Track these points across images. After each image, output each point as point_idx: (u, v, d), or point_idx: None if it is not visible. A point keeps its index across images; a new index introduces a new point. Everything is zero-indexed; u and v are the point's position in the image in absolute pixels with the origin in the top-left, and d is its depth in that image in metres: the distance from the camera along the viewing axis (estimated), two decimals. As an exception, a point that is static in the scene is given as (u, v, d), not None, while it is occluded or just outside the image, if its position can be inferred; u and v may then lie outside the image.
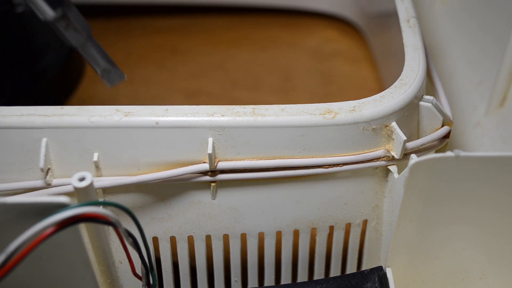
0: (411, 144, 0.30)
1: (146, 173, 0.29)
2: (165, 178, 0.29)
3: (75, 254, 0.25)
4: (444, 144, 0.32)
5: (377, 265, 0.30)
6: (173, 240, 0.32)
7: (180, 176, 0.29)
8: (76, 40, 0.28)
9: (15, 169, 0.29)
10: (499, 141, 0.39)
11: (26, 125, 0.28)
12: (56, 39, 0.46)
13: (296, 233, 0.33)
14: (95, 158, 0.29)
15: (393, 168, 0.30)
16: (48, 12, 0.27)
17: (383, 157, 0.30)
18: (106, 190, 0.30)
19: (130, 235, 0.26)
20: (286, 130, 0.29)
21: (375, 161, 0.30)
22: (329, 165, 0.30)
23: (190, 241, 0.32)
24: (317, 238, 0.33)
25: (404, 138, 0.29)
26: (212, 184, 0.30)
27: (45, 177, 0.29)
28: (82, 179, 0.25)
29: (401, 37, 0.33)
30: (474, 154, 0.26)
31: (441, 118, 0.31)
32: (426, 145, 0.31)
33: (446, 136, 0.31)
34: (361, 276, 0.30)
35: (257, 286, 0.35)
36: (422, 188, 0.27)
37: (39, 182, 0.29)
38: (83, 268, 0.26)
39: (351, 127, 0.29)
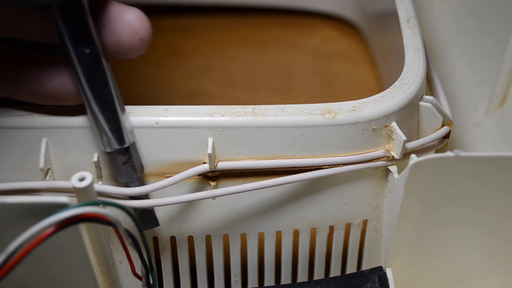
0: (411, 144, 0.30)
1: (146, 174, 0.29)
2: (166, 186, 0.29)
3: (75, 254, 0.25)
4: (444, 144, 0.32)
5: (377, 265, 0.30)
6: (173, 240, 0.32)
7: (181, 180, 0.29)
8: (129, 177, 0.28)
9: (15, 169, 0.29)
10: (499, 141, 0.39)
11: (26, 125, 0.28)
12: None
13: (296, 233, 0.33)
14: (95, 158, 0.29)
15: (393, 168, 0.30)
16: (113, 144, 0.27)
17: (383, 157, 0.30)
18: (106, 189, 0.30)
19: (130, 235, 0.26)
20: (286, 130, 0.29)
21: (375, 161, 0.30)
22: (329, 165, 0.30)
23: (190, 241, 0.32)
24: (317, 238, 0.33)
25: (404, 138, 0.29)
26: (212, 184, 0.30)
27: (45, 177, 0.29)
28: (82, 179, 0.25)
29: (401, 37, 0.33)
30: (474, 154, 0.26)
31: (441, 118, 0.31)
32: (426, 145, 0.31)
33: (446, 136, 0.31)
34: (361, 276, 0.30)
35: (257, 286, 0.35)
36: (422, 188, 0.27)
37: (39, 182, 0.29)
38: (83, 268, 0.26)
39: (351, 127, 0.29)
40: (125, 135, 0.27)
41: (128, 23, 0.26)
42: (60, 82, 0.27)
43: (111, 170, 0.29)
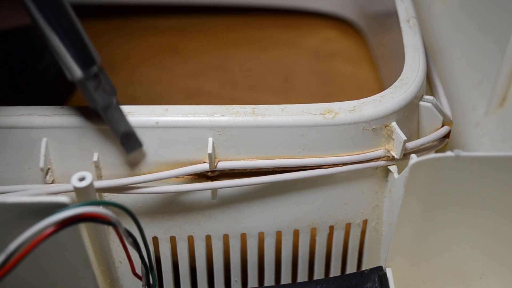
0: (411, 144, 0.30)
1: (146, 174, 0.29)
2: (165, 177, 0.29)
3: (75, 254, 0.25)
4: (444, 144, 0.32)
5: (377, 265, 0.30)
6: (173, 240, 0.32)
7: (180, 177, 0.29)
8: (103, 101, 0.27)
9: (15, 169, 0.29)
10: (499, 141, 0.39)
11: (26, 125, 0.28)
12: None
13: (296, 233, 0.33)
14: (95, 158, 0.29)
15: (393, 168, 0.30)
16: (77, 72, 0.26)
17: (383, 157, 0.30)
18: (106, 190, 0.30)
19: (130, 235, 0.26)
20: (286, 130, 0.29)
21: (375, 161, 0.30)
22: (329, 165, 0.30)
23: (190, 241, 0.32)
24: (317, 238, 0.33)
25: (404, 138, 0.29)
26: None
27: (45, 177, 0.29)
28: (82, 179, 0.25)
29: (401, 37, 0.33)
30: (474, 154, 0.26)
31: (441, 118, 0.31)
32: (426, 145, 0.31)
33: (446, 136, 0.31)
34: (361, 276, 0.30)
35: (257, 286, 0.35)
36: (422, 188, 0.27)
37: (39, 182, 0.29)
38: (83, 268, 0.26)
39: (351, 127, 0.29)
40: (89, 60, 0.26)
41: None
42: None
43: (86, 99, 0.28)
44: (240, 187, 0.30)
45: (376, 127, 0.29)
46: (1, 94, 0.42)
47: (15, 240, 0.22)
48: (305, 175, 0.29)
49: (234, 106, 0.29)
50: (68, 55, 0.26)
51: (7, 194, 0.28)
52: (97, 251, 0.29)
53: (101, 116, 0.28)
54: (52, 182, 0.29)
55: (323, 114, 0.29)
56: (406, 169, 0.26)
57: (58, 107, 0.29)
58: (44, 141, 0.29)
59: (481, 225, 0.29)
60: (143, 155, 0.29)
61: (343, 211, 0.32)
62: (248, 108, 0.29)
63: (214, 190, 0.30)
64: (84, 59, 0.26)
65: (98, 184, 0.28)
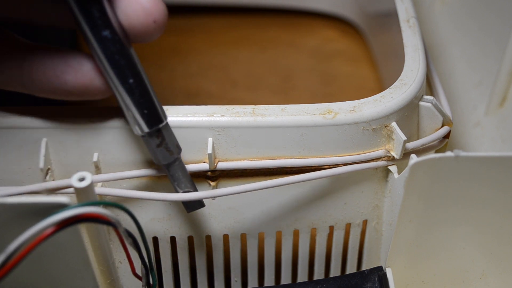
0: (411, 144, 0.30)
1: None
2: (164, 175, 0.29)
3: (75, 254, 0.25)
4: (444, 144, 0.32)
5: (377, 265, 0.30)
6: (173, 240, 0.32)
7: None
8: (165, 159, 0.27)
9: (15, 169, 0.29)
10: (499, 141, 0.39)
11: (26, 125, 0.28)
12: (57, 39, 0.46)
13: (296, 233, 0.33)
14: (95, 158, 0.29)
15: (393, 168, 0.30)
16: (143, 128, 0.27)
17: (383, 157, 0.30)
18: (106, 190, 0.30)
19: (130, 235, 0.26)
20: (286, 130, 0.29)
21: (375, 161, 0.30)
22: (329, 165, 0.30)
23: (190, 241, 0.32)
24: (317, 238, 0.33)
25: (404, 138, 0.29)
26: (212, 184, 0.30)
27: (45, 177, 0.29)
28: (82, 179, 0.25)
29: (401, 37, 0.33)
30: (474, 154, 0.26)
31: (441, 118, 0.31)
32: (426, 145, 0.31)
33: (446, 136, 0.31)
34: (361, 276, 0.30)
35: (257, 286, 0.35)
36: (422, 188, 0.27)
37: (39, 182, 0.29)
38: (83, 268, 0.26)
39: (351, 127, 0.29)
40: (153, 118, 0.26)
41: (141, 4, 0.25)
42: (87, 79, 0.26)
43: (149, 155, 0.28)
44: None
45: (376, 127, 0.29)
46: (2, 94, 0.42)
47: (15, 240, 0.22)
48: (306, 176, 0.29)
49: (234, 106, 0.29)
50: (134, 110, 0.26)
51: (7, 194, 0.28)
52: (97, 251, 0.29)
53: (166, 174, 0.28)
54: (52, 182, 0.29)
55: (323, 114, 0.29)
56: (406, 169, 0.26)
57: (58, 107, 0.29)
58: (44, 141, 0.29)
59: (481, 225, 0.29)
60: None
61: (343, 211, 0.32)
62: (248, 108, 0.29)
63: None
64: (149, 117, 0.26)
65: (97, 178, 0.28)
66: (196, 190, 0.29)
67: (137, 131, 0.27)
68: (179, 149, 0.28)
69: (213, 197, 0.30)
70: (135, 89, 0.26)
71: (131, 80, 0.26)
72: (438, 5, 0.49)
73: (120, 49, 0.25)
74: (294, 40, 0.55)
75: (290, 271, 0.34)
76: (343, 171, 0.30)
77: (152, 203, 0.30)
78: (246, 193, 0.30)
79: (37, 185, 0.29)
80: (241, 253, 0.33)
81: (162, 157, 0.27)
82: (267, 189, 0.30)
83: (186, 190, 0.28)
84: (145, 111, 0.26)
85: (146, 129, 0.27)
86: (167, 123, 0.27)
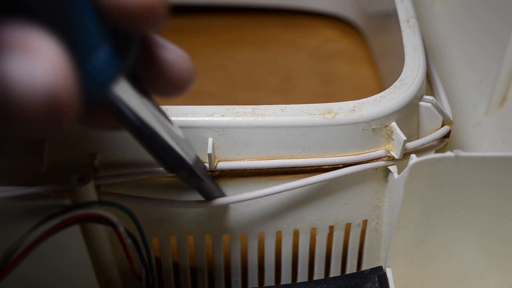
0: (411, 144, 0.30)
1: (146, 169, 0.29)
2: (165, 175, 0.29)
3: (75, 254, 0.25)
4: (444, 144, 0.32)
5: (377, 265, 0.30)
6: (173, 240, 0.32)
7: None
8: (195, 184, 0.28)
9: (15, 169, 0.29)
10: (499, 141, 0.39)
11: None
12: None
13: (296, 233, 0.33)
14: (95, 158, 0.29)
15: (393, 168, 0.30)
16: (169, 172, 0.27)
17: (383, 157, 0.30)
18: (106, 189, 0.30)
19: (130, 235, 0.26)
20: (286, 130, 0.29)
21: (375, 161, 0.30)
22: (329, 165, 0.30)
23: (190, 241, 0.32)
24: (317, 238, 0.33)
25: (404, 138, 0.29)
26: (212, 184, 0.30)
27: (46, 177, 0.29)
28: (82, 179, 0.25)
29: (401, 37, 0.33)
30: (474, 155, 0.26)
31: (441, 118, 0.31)
32: (426, 145, 0.31)
33: (446, 135, 0.31)
34: (361, 276, 0.30)
35: (257, 286, 0.35)
36: (422, 188, 0.27)
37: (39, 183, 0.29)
38: (83, 268, 0.26)
39: (351, 127, 0.29)
40: (177, 165, 0.26)
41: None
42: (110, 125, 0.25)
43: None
44: (240, 186, 0.30)
45: (376, 127, 0.29)
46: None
47: (15, 240, 0.22)
48: (309, 181, 0.29)
49: (234, 106, 0.29)
50: (161, 163, 0.26)
51: (8, 194, 0.28)
52: (97, 251, 0.29)
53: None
54: (52, 183, 0.29)
55: (323, 114, 0.29)
56: (406, 169, 0.26)
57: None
58: (45, 141, 0.29)
59: (481, 225, 0.29)
60: None
61: (343, 211, 0.32)
62: (248, 108, 0.29)
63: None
64: (176, 165, 0.26)
65: (97, 178, 0.28)
66: (223, 194, 0.30)
67: (166, 171, 0.27)
68: (206, 172, 0.28)
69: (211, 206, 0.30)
70: (157, 150, 0.25)
71: (155, 140, 0.25)
72: (438, 5, 0.49)
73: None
74: (294, 40, 0.55)
75: (290, 271, 0.34)
76: (345, 172, 0.30)
77: (152, 203, 0.30)
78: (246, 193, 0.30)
79: (38, 186, 0.29)
80: (241, 253, 0.33)
81: (193, 184, 0.28)
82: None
83: (218, 196, 0.29)
84: (172, 163, 0.26)
85: (173, 173, 0.27)
86: (196, 157, 0.27)
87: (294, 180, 0.30)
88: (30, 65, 0.16)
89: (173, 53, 0.24)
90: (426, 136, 0.31)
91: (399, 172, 0.29)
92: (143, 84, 0.23)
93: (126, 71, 0.21)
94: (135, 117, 0.23)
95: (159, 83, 0.24)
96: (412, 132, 0.31)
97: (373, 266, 0.30)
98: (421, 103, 0.31)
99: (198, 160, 0.27)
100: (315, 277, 0.35)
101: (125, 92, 0.22)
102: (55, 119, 0.17)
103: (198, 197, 0.29)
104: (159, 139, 0.25)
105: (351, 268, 0.35)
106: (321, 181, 0.30)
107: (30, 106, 0.17)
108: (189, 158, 0.26)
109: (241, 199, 0.29)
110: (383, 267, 0.30)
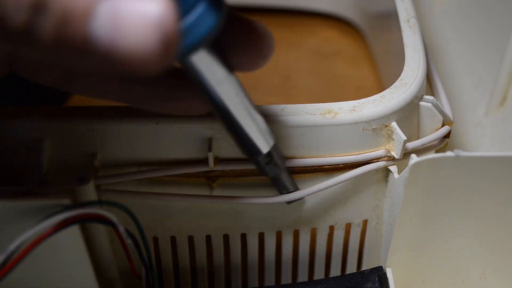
0: (411, 144, 0.30)
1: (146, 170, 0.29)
2: (164, 175, 0.29)
3: (75, 254, 0.25)
4: (444, 144, 0.32)
5: (377, 265, 0.30)
6: (173, 240, 0.32)
7: (180, 175, 0.29)
8: (273, 173, 0.28)
9: (15, 169, 0.29)
10: (499, 141, 0.39)
11: (26, 125, 0.28)
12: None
13: (296, 233, 0.33)
14: (95, 158, 0.29)
15: (393, 168, 0.30)
16: (252, 153, 0.27)
17: (383, 157, 0.30)
18: (106, 190, 0.30)
19: (130, 235, 0.26)
20: (286, 130, 0.29)
21: (375, 161, 0.30)
22: (329, 165, 0.30)
23: (190, 241, 0.32)
24: (317, 238, 0.33)
25: (404, 138, 0.29)
26: (213, 184, 0.30)
27: (45, 177, 0.29)
28: (82, 179, 0.25)
29: (401, 37, 0.33)
30: (474, 154, 0.26)
31: (441, 118, 0.31)
32: (426, 145, 0.31)
33: (447, 135, 0.31)
34: (361, 276, 0.30)
35: (257, 286, 0.35)
36: (422, 188, 0.27)
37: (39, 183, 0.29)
38: (83, 268, 0.26)
39: (351, 127, 0.29)
40: (260, 146, 0.27)
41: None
42: (189, 106, 0.26)
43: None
44: (240, 186, 0.30)
45: (376, 127, 0.29)
46: (2, 95, 0.42)
47: (15, 240, 0.22)
48: (314, 189, 0.30)
49: (234, 106, 0.29)
50: (243, 144, 0.27)
51: (8, 194, 0.28)
52: (97, 251, 0.29)
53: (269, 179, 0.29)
54: (52, 182, 0.29)
55: (323, 114, 0.29)
56: (406, 169, 0.26)
57: (58, 107, 0.29)
58: (44, 141, 0.29)
59: (481, 225, 0.29)
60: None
61: (343, 211, 0.32)
62: (248, 108, 0.29)
63: (214, 190, 0.30)
64: (257, 148, 0.27)
65: (97, 178, 0.28)
66: (298, 189, 0.30)
67: (245, 155, 0.28)
68: (284, 161, 0.29)
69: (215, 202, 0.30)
70: (240, 130, 0.26)
71: (235, 126, 0.26)
72: (438, 5, 0.49)
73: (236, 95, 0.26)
74: (294, 40, 0.55)
75: (290, 271, 0.34)
76: (348, 177, 0.30)
77: (153, 203, 0.30)
78: (246, 193, 0.30)
79: (37, 186, 0.29)
80: (241, 253, 0.33)
81: (271, 172, 0.28)
82: (266, 189, 0.30)
83: (293, 190, 0.30)
84: (250, 143, 0.27)
85: (253, 155, 0.27)
86: (275, 144, 0.27)
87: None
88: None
89: (257, 22, 0.25)
90: (426, 136, 0.31)
91: (399, 172, 0.29)
92: (228, 59, 0.24)
93: (218, 32, 0.22)
94: (217, 90, 0.24)
95: (250, 50, 0.25)
96: (412, 132, 0.31)
97: (373, 266, 0.30)
98: (421, 103, 0.31)
99: (277, 148, 0.28)
100: (315, 277, 0.35)
101: (211, 62, 0.23)
102: (165, 49, 0.18)
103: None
104: (236, 118, 0.26)
105: (351, 268, 0.35)
106: (332, 186, 0.30)
107: (144, 36, 0.18)
108: (268, 144, 0.27)
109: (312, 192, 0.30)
110: (383, 267, 0.30)
